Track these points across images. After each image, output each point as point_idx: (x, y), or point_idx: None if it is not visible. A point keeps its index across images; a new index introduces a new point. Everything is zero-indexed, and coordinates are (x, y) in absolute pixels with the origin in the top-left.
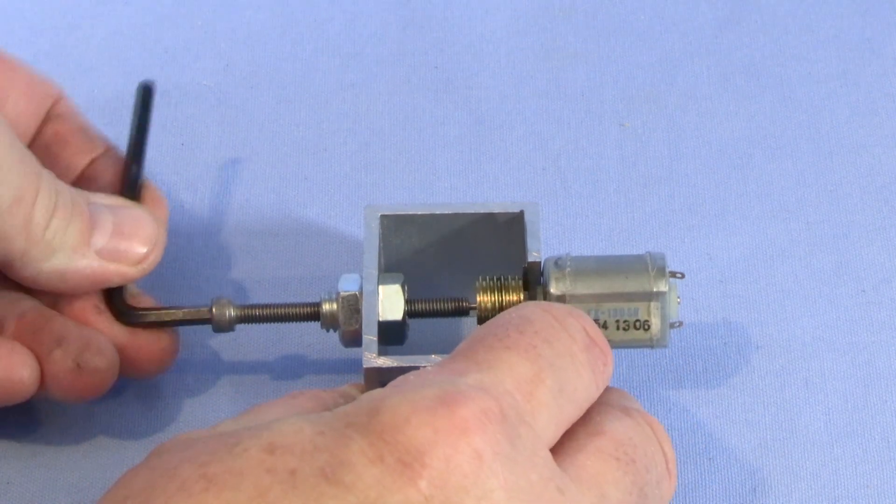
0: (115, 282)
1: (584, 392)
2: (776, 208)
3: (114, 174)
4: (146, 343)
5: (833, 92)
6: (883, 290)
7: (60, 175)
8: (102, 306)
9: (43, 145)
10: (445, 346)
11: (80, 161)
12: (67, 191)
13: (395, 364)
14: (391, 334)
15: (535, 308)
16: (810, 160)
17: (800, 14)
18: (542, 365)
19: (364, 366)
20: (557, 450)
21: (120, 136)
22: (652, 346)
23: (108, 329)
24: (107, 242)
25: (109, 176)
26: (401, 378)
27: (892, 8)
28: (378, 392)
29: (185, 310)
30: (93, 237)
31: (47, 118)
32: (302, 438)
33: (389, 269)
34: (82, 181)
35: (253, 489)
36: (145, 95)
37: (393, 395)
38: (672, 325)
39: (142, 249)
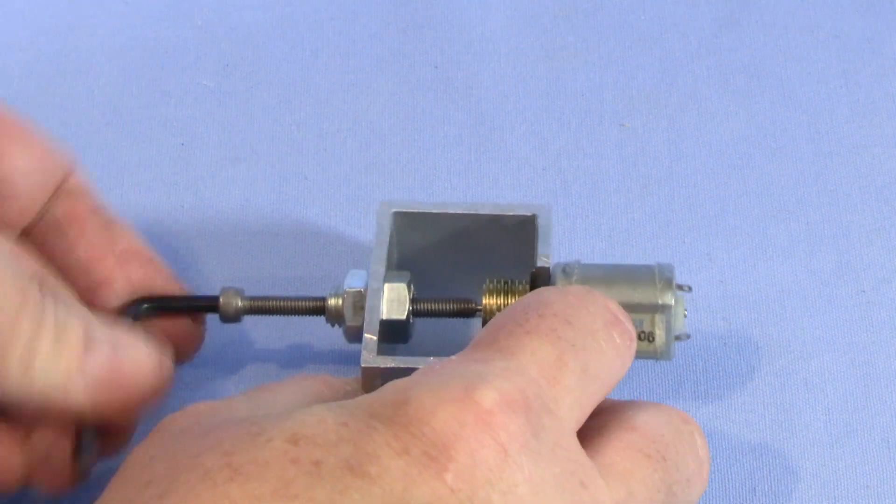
0: None
1: (608, 370)
2: (776, 208)
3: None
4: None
5: (833, 92)
6: (883, 290)
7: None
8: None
9: (54, 224)
10: (451, 347)
11: (98, 267)
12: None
13: (393, 364)
14: (395, 333)
15: (552, 291)
16: (810, 160)
17: (800, 14)
18: (563, 347)
19: (362, 365)
20: (588, 442)
21: (120, 135)
22: (657, 359)
23: None
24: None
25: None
26: (426, 367)
27: (892, 8)
28: (402, 382)
29: (194, 298)
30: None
31: (58, 193)
32: (325, 429)
33: (401, 266)
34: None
35: (277, 480)
36: None
37: (418, 386)
38: (678, 338)
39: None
